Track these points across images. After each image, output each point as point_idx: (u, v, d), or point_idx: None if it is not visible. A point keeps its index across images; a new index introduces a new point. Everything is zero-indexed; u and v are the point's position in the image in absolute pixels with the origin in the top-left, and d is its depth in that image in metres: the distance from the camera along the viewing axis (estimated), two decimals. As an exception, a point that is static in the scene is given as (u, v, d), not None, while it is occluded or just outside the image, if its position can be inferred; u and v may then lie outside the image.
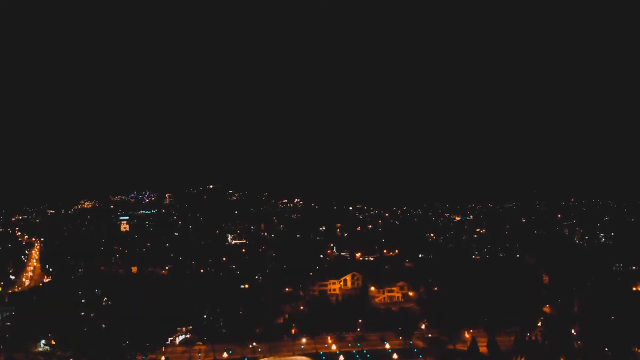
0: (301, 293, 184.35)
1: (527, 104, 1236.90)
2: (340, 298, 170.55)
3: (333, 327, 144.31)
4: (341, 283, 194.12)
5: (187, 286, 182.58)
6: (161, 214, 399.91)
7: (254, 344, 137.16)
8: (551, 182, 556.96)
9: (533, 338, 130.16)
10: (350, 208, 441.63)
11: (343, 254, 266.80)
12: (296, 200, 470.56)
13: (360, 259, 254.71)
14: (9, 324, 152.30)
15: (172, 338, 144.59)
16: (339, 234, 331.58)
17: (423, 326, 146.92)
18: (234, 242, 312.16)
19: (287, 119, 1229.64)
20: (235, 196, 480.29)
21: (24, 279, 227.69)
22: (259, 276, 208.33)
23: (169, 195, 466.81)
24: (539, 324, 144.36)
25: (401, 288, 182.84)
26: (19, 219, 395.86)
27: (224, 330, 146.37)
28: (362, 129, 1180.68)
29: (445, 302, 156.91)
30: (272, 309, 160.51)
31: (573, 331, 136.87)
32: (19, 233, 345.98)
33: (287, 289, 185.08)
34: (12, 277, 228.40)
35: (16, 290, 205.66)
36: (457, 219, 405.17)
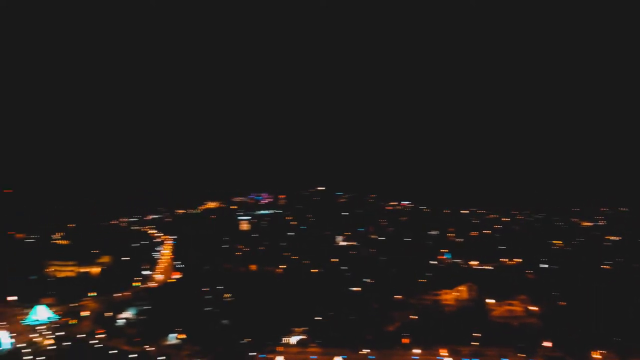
0: (412, 301, 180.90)
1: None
2: (454, 309, 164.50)
3: (447, 340, 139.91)
4: (456, 293, 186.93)
5: (301, 286, 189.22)
6: (277, 215, 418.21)
7: (366, 350, 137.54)
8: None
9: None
10: (463, 212, 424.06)
11: (457, 261, 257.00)
12: (404, 202, 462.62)
13: (476, 267, 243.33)
14: (144, 317, 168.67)
15: (287, 338, 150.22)
16: (452, 239, 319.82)
17: (546, 344, 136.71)
18: (342, 243, 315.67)
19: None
20: (344, 198, 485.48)
21: (156, 275, 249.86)
22: (369, 279, 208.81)
23: (282, 197, 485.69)
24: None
25: (522, 301, 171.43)
26: (152, 218, 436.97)
27: (336, 334, 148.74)
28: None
29: (571, 319, 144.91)
30: (383, 316, 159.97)
31: None
32: (152, 231, 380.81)
33: (397, 296, 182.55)
34: (148, 273, 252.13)
35: (150, 285, 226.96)
36: (586, 224, 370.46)
